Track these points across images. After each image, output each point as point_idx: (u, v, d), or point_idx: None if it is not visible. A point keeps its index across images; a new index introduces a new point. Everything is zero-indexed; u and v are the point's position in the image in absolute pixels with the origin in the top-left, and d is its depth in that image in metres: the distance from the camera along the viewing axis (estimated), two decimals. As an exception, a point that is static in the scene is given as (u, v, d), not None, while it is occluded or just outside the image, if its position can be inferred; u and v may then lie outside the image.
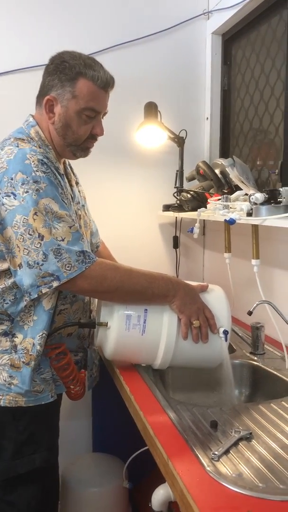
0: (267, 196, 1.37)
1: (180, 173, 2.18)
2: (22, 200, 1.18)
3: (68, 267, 1.18)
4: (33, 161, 1.21)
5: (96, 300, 1.46)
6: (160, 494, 1.19)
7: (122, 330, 1.28)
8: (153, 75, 2.23)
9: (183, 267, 2.37)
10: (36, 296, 1.20)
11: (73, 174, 1.55)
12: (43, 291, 1.20)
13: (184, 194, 2.05)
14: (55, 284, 1.19)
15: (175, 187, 2.18)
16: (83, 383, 1.45)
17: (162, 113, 2.09)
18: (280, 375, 1.41)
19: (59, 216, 1.21)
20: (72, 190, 1.46)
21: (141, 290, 1.27)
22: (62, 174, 1.38)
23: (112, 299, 1.30)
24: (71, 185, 1.47)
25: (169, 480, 0.95)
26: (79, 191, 1.54)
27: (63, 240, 1.19)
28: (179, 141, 2.16)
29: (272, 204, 1.37)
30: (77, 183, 1.56)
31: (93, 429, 2.23)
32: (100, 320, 1.32)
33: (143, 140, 2.14)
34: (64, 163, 1.48)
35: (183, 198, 2.05)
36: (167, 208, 2.22)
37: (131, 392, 1.28)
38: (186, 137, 2.17)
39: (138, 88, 2.19)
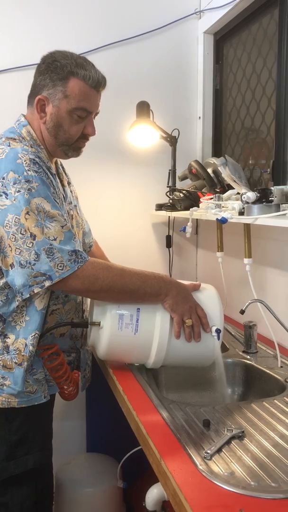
0: (258, 195, 1.37)
1: (172, 172, 2.18)
2: (14, 200, 1.18)
3: (60, 266, 1.18)
4: (25, 161, 1.21)
5: (89, 300, 1.46)
6: (154, 494, 1.20)
7: (115, 330, 1.28)
8: (145, 74, 2.23)
9: (176, 266, 2.37)
10: (28, 296, 1.20)
11: (65, 174, 1.55)
12: (35, 291, 1.19)
13: (177, 193, 2.06)
14: (47, 283, 1.18)
15: (167, 186, 2.18)
16: (77, 384, 1.44)
17: (154, 112, 2.09)
18: (273, 374, 1.42)
19: (51, 215, 1.20)
20: (64, 190, 1.46)
21: (134, 289, 1.26)
22: (54, 173, 1.38)
23: (105, 298, 1.30)
24: (63, 185, 1.47)
25: (161, 479, 0.95)
26: (71, 191, 1.54)
27: (55, 239, 1.19)
28: (172, 140, 2.16)
29: (264, 203, 1.37)
30: (69, 183, 1.55)
31: (87, 429, 2.23)
32: (93, 320, 1.31)
33: (136, 139, 2.14)
34: (56, 163, 1.48)
35: (175, 197, 2.05)
36: (159, 207, 2.22)
37: (124, 391, 1.28)
38: (178, 136, 2.18)
39: (130, 87, 2.19)
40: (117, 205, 2.28)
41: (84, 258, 1.21)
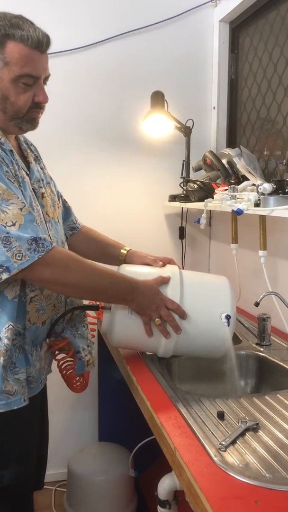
0: (275, 186, 1.36)
1: (186, 163, 2.17)
2: None
3: (18, 256, 1.07)
4: None
5: None
6: (166, 483, 1.20)
7: (125, 314, 1.29)
8: (159, 64, 2.21)
9: (188, 258, 2.37)
10: None
11: (30, 149, 1.36)
12: None
13: (191, 184, 2.04)
14: (4, 276, 1.08)
15: (181, 177, 2.17)
16: (83, 375, 1.42)
17: (169, 102, 2.07)
18: (286, 366, 1.41)
19: (6, 197, 1.08)
20: (29, 166, 1.29)
21: (102, 290, 1.22)
22: (10, 150, 1.20)
23: (70, 294, 1.26)
24: (28, 162, 1.30)
25: (176, 470, 0.96)
26: (41, 168, 1.37)
27: (14, 224, 1.07)
28: (186, 130, 2.14)
29: (280, 195, 1.36)
30: (37, 158, 1.37)
31: (99, 419, 2.25)
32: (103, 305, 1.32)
33: (150, 129, 2.12)
34: (17, 138, 1.32)
35: (189, 189, 2.04)
36: (173, 198, 2.21)
37: (138, 382, 1.28)
38: (192, 127, 2.16)
39: (145, 77, 2.18)
40: (130, 196, 2.27)
41: (46, 246, 1.10)
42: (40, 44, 1.14)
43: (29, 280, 1.18)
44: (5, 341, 1.14)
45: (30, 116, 1.20)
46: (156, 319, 1.25)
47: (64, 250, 1.17)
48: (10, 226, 1.07)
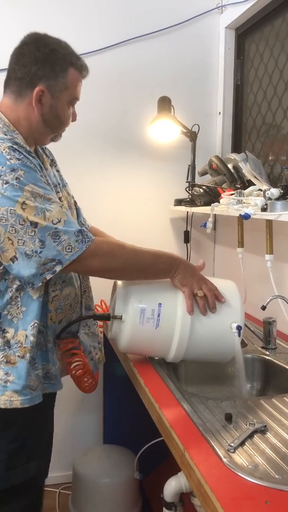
0: (282, 191, 1.37)
1: (192, 167, 2.18)
2: (4, 192, 1.12)
3: (68, 249, 1.15)
4: (4, 150, 1.15)
5: (91, 284, 1.47)
6: (172, 486, 1.22)
7: (136, 324, 1.29)
8: (166, 70, 2.23)
9: (193, 262, 2.33)
10: (40, 284, 1.17)
11: (46, 154, 1.45)
12: (48, 277, 1.16)
13: (196, 188, 2.06)
14: (58, 268, 1.16)
15: (187, 182, 2.18)
16: (93, 375, 1.44)
17: (175, 108, 2.09)
18: (292, 370, 1.42)
19: (47, 198, 1.16)
20: (47, 172, 1.38)
21: (147, 267, 1.28)
22: (35, 156, 1.27)
23: (120, 277, 1.33)
24: (45, 168, 1.37)
25: (185, 471, 0.97)
26: (57, 170, 1.47)
27: (59, 221, 1.16)
28: (192, 135, 2.16)
29: (287, 200, 1.38)
30: (53, 163, 1.47)
31: (104, 421, 2.25)
32: (115, 313, 1.33)
33: (156, 134, 2.14)
34: (35, 146, 1.39)
35: (195, 193, 2.05)
36: (179, 202, 2.22)
37: (146, 384, 1.29)
38: (198, 132, 2.17)
39: (151, 82, 2.19)
40: (136, 200, 2.29)
41: (90, 237, 1.19)
42: (87, 72, 1.33)
43: (79, 272, 1.31)
44: (31, 338, 1.22)
45: (63, 131, 1.37)
46: (199, 290, 1.29)
47: (104, 239, 1.24)
48: (56, 223, 1.15)
